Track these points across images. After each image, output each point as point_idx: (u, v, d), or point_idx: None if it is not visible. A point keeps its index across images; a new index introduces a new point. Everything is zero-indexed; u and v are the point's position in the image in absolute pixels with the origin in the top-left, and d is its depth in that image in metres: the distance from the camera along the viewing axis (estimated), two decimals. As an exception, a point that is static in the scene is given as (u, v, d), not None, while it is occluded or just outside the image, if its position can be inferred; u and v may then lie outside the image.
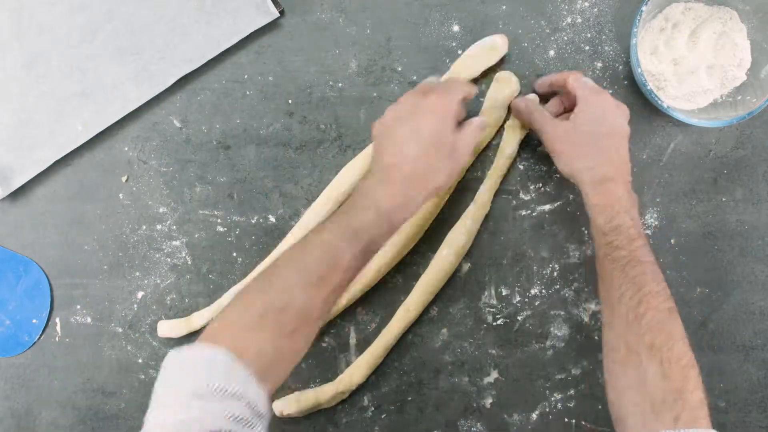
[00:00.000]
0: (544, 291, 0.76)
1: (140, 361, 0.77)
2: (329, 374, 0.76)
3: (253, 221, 0.77)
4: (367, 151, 0.75)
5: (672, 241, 0.75)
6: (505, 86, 0.74)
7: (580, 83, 0.68)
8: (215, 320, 0.57)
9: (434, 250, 0.75)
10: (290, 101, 0.77)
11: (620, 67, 0.76)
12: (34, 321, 0.78)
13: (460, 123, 0.66)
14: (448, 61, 0.76)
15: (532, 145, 0.76)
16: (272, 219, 0.77)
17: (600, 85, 0.75)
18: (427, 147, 0.62)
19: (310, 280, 0.57)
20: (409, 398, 0.76)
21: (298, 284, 0.56)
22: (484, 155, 0.76)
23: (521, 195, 0.76)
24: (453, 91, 0.65)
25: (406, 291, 0.75)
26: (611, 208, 0.64)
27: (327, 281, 0.57)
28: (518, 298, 0.76)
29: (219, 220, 0.77)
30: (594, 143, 0.66)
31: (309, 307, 0.57)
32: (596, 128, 0.67)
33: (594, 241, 0.66)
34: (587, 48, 0.76)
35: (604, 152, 0.66)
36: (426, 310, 0.76)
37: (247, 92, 0.77)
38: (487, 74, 0.75)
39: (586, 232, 0.76)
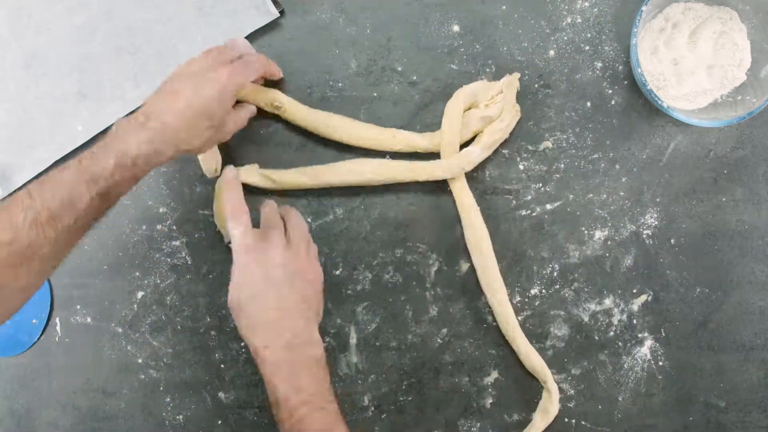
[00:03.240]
0: (544, 291, 0.76)
1: (140, 361, 0.77)
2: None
3: (253, 221, 0.77)
4: None
5: (672, 241, 0.75)
6: (513, 87, 0.74)
7: None
8: None
9: (433, 250, 0.75)
10: (290, 101, 0.77)
11: (620, 67, 0.76)
12: (34, 321, 0.78)
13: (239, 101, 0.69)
14: (448, 62, 0.76)
15: (533, 144, 0.76)
16: (272, 219, 0.77)
17: (600, 85, 0.76)
18: (197, 111, 0.62)
19: (40, 218, 0.56)
20: (409, 398, 0.76)
21: (27, 219, 0.56)
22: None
23: (521, 195, 0.76)
24: (247, 72, 0.67)
25: (406, 290, 0.75)
26: None
27: (59, 220, 0.57)
28: (518, 298, 0.76)
29: (219, 220, 0.77)
30: None
31: (37, 244, 0.57)
32: None
33: None
34: (587, 48, 0.76)
35: None
36: (426, 310, 0.76)
37: (247, 92, 0.77)
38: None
39: (586, 232, 0.76)
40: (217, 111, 0.64)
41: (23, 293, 0.60)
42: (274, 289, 0.64)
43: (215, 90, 0.63)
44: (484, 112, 0.73)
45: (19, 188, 0.77)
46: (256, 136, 0.77)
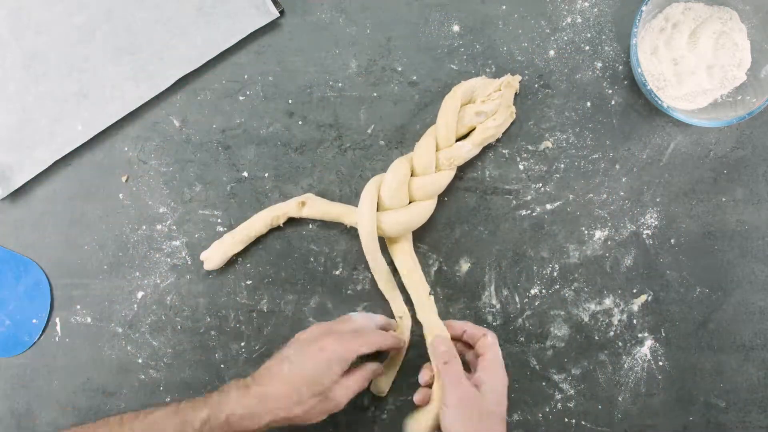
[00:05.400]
0: (544, 291, 0.76)
1: (140, 361, 0.77)
2: (329, 374, 0.76)
3: (253, 221, 0.77)
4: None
5: (672, 241, 0.75)
6: (512, 88, 0.75)
7: (496, 349, 0.67)
8: None
9: (433, 250, 0.76)
10: (290, 101, 0.77)
11: (620, 67, 0.76)
12: (34, 321, 0.78)
13: (355, 364, 0.67)
14: (448, 62, 0.76)
15: (533, 144, 0.76)
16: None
17: (600, 85, 0.76)
18: (300, 379, 0.64)
19: None
20: (409, 398, 0.76)
21: None
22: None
23: (521, 195, 0.76)
24: (357, 343, 0.66)
25: (406, 290, 0.75)
26: None
27: None
28: (518, 298, 0.76)
29: (219, 220, 0.77)
30: (492, 426, 0.63)
31: None
32: (498, 408, 0.64)
33: None
34: (587, 48, 0.76)
35: None
36: (426, 310, 0.76)
37: (247, 92, 0.77)
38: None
39: (586, 232, 0.76)
40: (321, 380, 0.64)
41: None
42: None
43: (320, 359, 0.64)
44: (479, 107, 0.73)
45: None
46: (256, 137, 0.77)
